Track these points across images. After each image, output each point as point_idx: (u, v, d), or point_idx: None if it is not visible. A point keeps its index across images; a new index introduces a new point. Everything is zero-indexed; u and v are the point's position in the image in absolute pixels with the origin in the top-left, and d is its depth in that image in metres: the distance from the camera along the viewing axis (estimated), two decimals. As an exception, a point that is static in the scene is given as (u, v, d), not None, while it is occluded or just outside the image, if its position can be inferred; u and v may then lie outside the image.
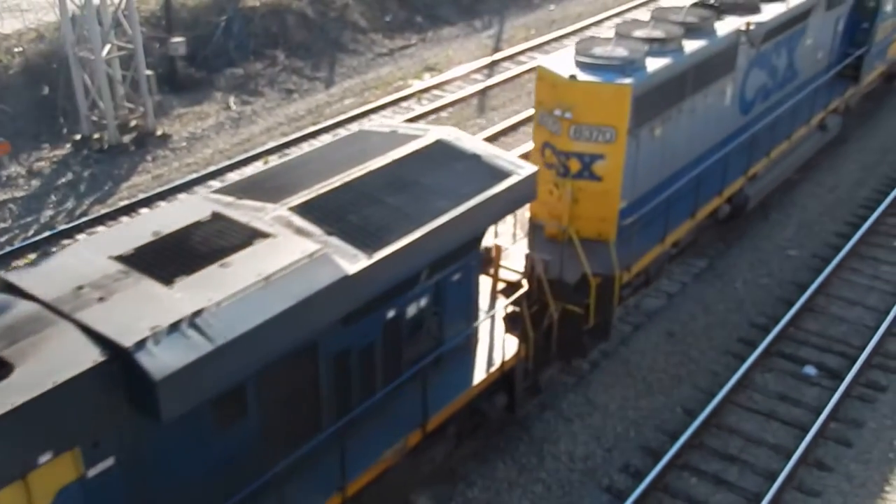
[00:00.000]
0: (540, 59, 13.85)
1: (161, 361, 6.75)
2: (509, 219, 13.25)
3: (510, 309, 11.73)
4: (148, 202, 18.69)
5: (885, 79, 22.73)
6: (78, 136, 21.09)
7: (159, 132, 21.70)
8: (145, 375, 6.66)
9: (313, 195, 9.19)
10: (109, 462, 7.17)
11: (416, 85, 24.80)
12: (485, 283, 11.67)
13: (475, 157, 10.41)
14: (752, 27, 15.12)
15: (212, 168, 20.09)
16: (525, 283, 11.79)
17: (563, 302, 12.29)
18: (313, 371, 8.83)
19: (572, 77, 12.46)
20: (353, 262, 8.35)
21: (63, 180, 19.68)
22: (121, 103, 21.30)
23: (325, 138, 21.61)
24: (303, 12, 26.92)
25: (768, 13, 15.89)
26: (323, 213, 8.94)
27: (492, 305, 11.76)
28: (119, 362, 6.77)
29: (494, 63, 26.24)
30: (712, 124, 15.15)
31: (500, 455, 12.05)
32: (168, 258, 8.01)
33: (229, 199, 9.16)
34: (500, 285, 12.03)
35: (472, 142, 10.80)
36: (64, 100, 21.53)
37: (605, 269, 12.59)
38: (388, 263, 8.63)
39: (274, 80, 24.81)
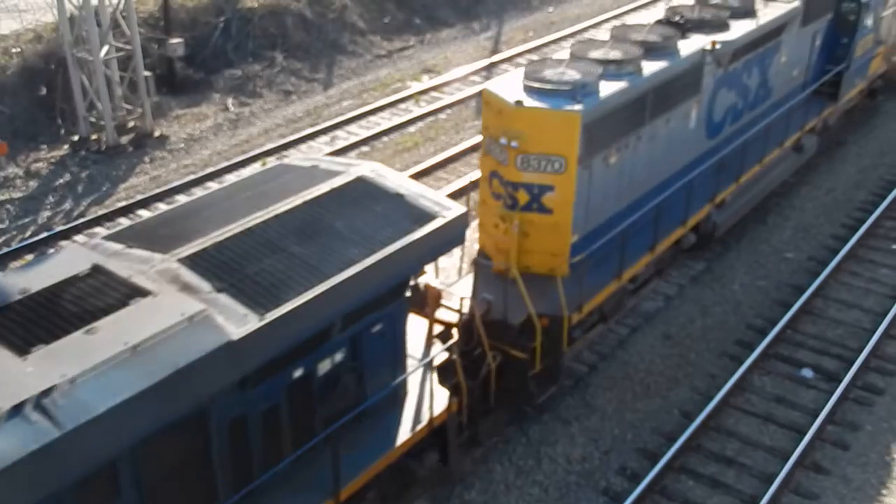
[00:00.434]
0: (487, 83, 13.06)
1: None
2: (456, 251, 12.54)
3: (445, 356, 10.87)
4: (146, 203, 18.69)
5: (867, 94, 22.07)
6: (76, 137, 21.08)
7: (157, 133, 21.70)
8: None
9: (208, 244, 8.34)
10: None
11: (415, 87, 24.81)
12: (422, 326, 11.10)
13: (398, 198, 9.60)
14: (717, 46, 14.32)
15: (210, 169, 20.09)
16: (455, 332, 11.05)
17: (508, 345, 11.58)
18: (203, 441, 7.85)
19: (518, 103, 11.71)
20: (239, 324, 7.53)
21: (61, 181, 19.67)
22: (119, 104, 21.29)
23: (322, 140, 21.65)
24: (301, 14, 26.92)
25: (737, 31, 15.11)
26: (216, 265, 8.13)
27: (426, 352, 10.96)
28: None
29: (493, 65, 26.25)
30: (675, 150, 14.35)
31: (498, 457, 12.05)
32: (31, 322, 7.21)
33: (118, 247, 8.32)
34: (438, 328, 11.30)
35: (398, 179, 10.02)
36: (62, 101, 21.52)
37: (553, 310, 11.78)
38: (284, 323, 7.81)
39: (272, 82, 24.82)
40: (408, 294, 10.03)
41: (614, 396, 13.25)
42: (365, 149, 21.20)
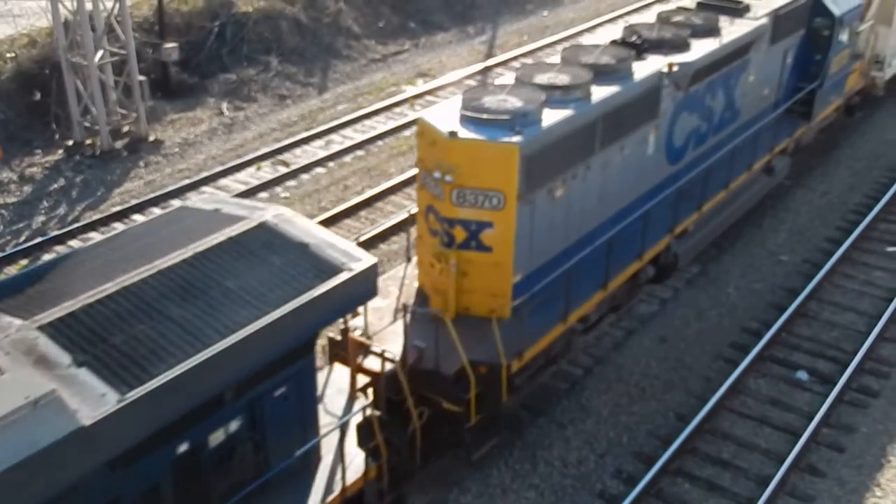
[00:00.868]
0: (423, 111, 12.28)
1: None
2: (393, 290, 12.26)
3: (369, 412, 9.93)
4: (140, 208, 18.67)
5: (845, 111, 21.29)
6: (70, 142, 21.05)
7: (152, 138, 21.67)
8: None
9: (76, 307, 7.45)
10: None
11: (410, 91, 24.82)
12: (346, 378, 10.49)
13: (301, 248, 8.78)
14: (675, 69, 13.44)
15: (205, 174, 20.07)
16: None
17: (441, 397, 10.79)
18: None
19: (452, 134, 10.91)
20: (95, 406, 6.67)
21: (55, 186, 19.63)
22: (113, 109, 21.28)
23: (317, 144, 21.65)
24: (296, 18, 26.93)
25: (697, 51, 14.17)
26: (81, 332, 7.26)
27: (348, 408, 10.20)
28: None
29: (487, 69, 26.28)
30: (632, 178, 13.51)
31: (494, 461, 12.05)
32: None
33: None
34: (365, 379, 10.57)
35: (304, 226, 9.15)
36: (56, 105, 21.49)
37: (491, 357, 10.88)
38: (153, 400, 6.99)
39: (267, 86, 24.81)
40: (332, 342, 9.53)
41: (609, 399, 13.26)
42: (360, 153, 21.21)
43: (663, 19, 15.15)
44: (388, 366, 10.45)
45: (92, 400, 6.72)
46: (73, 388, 6.75)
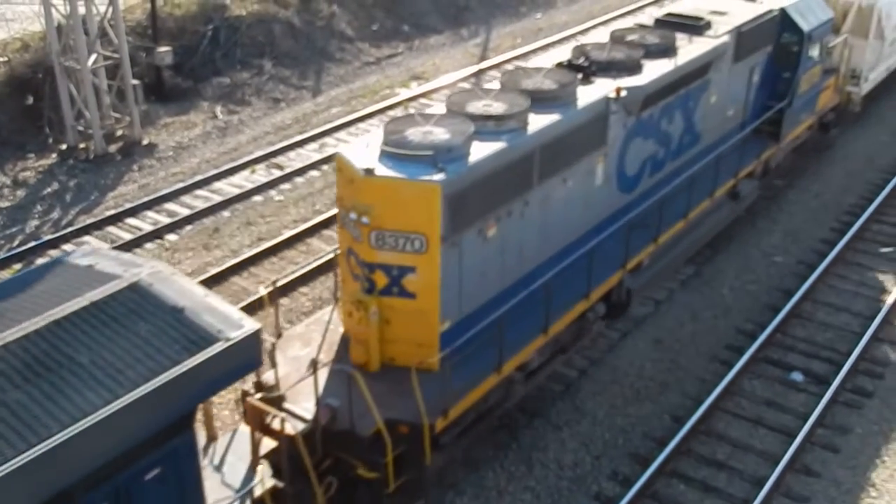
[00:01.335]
0: (341, 146, 11.63)
1: None
2: (316, 336, 11.39)
3: (270, 484, 9.17)
4: (134, 212, 18.64)
5: (819, 128, 20.21)
6: (64, 146, 21.01)
7: (146, 142, 21.64)
8: None
9: None
10: None
11: (403, 93, 24.83)
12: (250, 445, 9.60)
13: (174, 314, 7.86)
14: (623, 94, 12.55)
15: (198, 177, 20.05)
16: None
17: (357, 461, 9.99)
18: None
19: (368, 172, 10.02)
20: None
21: (49, 190, 19.59)
22: (107, 113, 21.24)
23: (311, 147, 21.64)
24: (289, 21, 26.93)
25: (649, 73, 13.26)
26: None
27: (248, 479, 9.36)
28: None
29: (481, 71, 26.30)
30: (577, 212, 12.61)
31: (490, 463, 12.04)
32: None
33: None
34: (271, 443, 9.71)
35: (181, 286, 8.25)
36: (49, 109, 21.45)
37: (413, 416, 9.96)
38: None
39: (261, 90, 24.79)
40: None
41: (605, 401, 13.26)
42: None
43: (616, 38, 14.27)
44: (298, 427, 9.68)
45: None
46: None
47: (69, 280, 8.19)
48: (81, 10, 19.90)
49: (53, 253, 17.17)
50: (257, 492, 9.19)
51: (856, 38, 20.42)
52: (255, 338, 7.97)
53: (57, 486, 6.73)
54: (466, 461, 11.97)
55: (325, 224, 17.83)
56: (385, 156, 10.40)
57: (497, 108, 11.24)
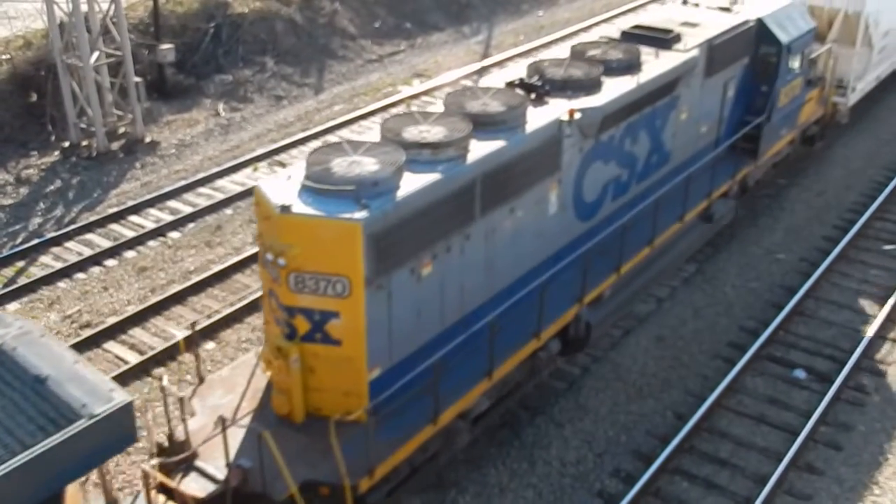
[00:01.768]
0: (261, 179, 10.55)
1: None
2: (241, 381, 10.52)
3: None
4: (137, 209, 18.66)
5: (803, 141, 19.55)
6: (66, 144, 21.02)
7: (148, 139, 21.65)
8: None
9: None
10: None
11: (406, 91, 24.83)
12: None
13: (36, 384, 7.13)
14: (577, 116, 11.69)
15: (201, 175, 20.07)
16: None
17: None
18: None
19: (285, 209, 9.18)
20: None
21: (51, 188, 19.61)
22: (109, 110, 21.25)
23: (313, 144, 21.64)
24: (292, 19, 26.93)
25: (609, 92, 12.39)
26: None
27: None
28: None
29: (483, 69, 26.29)
30: (528, 244, 11.72)
31: (492, 461, 12.05)
32: None
33: None
34: None
35: (49, 352, 7.50)
36: (52, 107, 21.46)
37: (332, 476, 9.19)
38: None
39: (263, 87, 24.80)
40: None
41: (607, 398, 13.27)
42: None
43: (576, 54, 13.44)
44: (209, 488, 9.00)
45: None
46: None
47: None
48: (84, 7, 19.91)
49: (56, 251, 17.21)
50: None
51: (842, 46, 19.56)
52: (125, 412, 7.12)
53: None
54: (468, 459, 11.99)
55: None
56: (305, 191, 9.56)
57: (435, 134, 10.38)
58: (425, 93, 24.65)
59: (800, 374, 13.81)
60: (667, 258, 14.56)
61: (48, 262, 16.90)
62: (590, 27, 29.73)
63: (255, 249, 16.79)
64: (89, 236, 17.75)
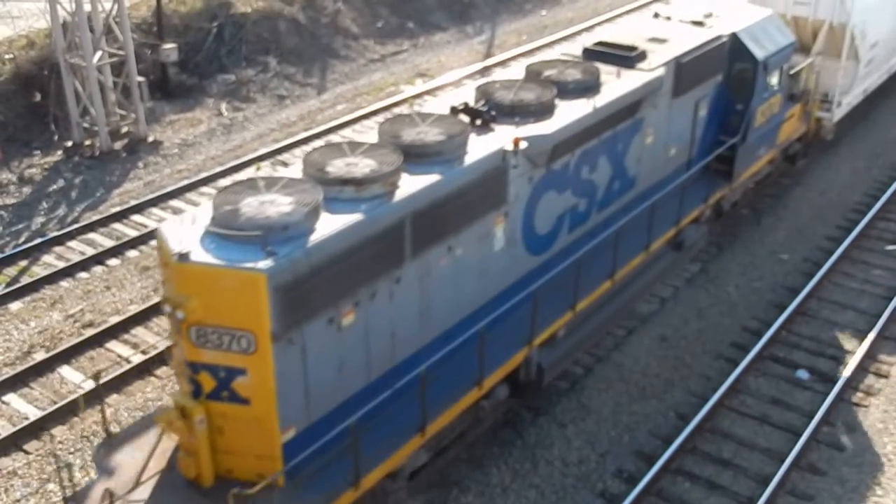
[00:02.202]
0: (165, 221, 9.94)
1: None
2: (149, 440, 9.72)
3: None
4: (140, 209, 18.67)
5: (785, 159, 18.82)
6: (69, 143, 21.04)
7: (151, 139, 21.66)
8: None
9: None
10: None
11: (408, 91, 24.83)
12: None
13: None
14: (523, 145, 10.75)
15: (204, 174, 20.08)
16: None
17: None
18: None
19: (182, 257, 8.33)
20: None
21: (54, 187, 19.63)
22: (112, 110, 21.27)
23: (316, 144, 21.64)
24: (294, 18, 26.94)
25: (561, 118, 11.40)
26: None
27: None
28: None
29: (486, 68, 26.28)
30: (470, 283, 10.81)
31: (494, 461, 12.05)
32: None
33: None
34: None
35: None
36: (55, 107, 21.48)
37: None
38: None
39: (266, 87, 24.81)
40: None
41: (610, 398, 13.26)
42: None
43: (531, 74, 12.51)
44: None
45: None
46: None
47: None
48: (87, 7, 19.93)
49: (59, 250, 17.23)
50: None
51: (827, 59, 18.76)
52: None
53: None
54: (470, 459, 11.98)
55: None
56: (208, 236, 8.67)
57: (362, 168, 9.44)
58: (428, 92, 24.65)
59: (803, 374, 13.79)
60: (628, 292, 13.59)
61: (51, 261, 16.92)
62: (592, 27, 29.70)
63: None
64: (92, 235, 17.76)
